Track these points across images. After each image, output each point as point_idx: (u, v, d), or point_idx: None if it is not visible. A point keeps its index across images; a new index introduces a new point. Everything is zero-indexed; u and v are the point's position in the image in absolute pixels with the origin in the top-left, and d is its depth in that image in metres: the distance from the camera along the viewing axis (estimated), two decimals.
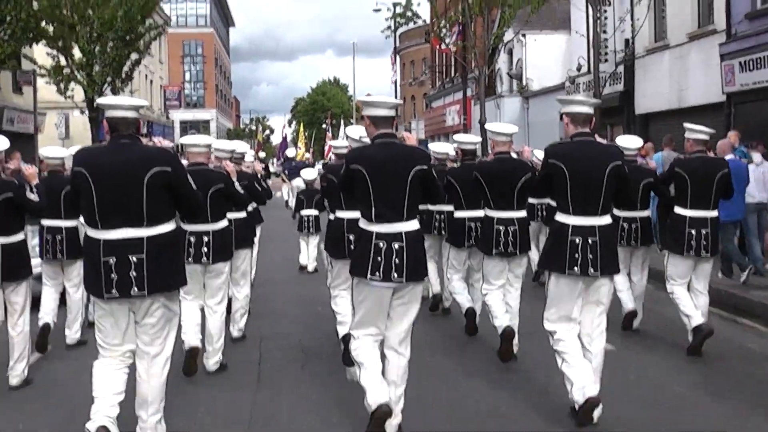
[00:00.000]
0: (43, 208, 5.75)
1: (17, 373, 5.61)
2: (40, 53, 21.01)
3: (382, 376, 4.31)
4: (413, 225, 4.32)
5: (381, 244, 4.21)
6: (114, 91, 20.67)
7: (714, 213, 6.20)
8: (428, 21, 34.86)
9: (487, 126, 6.70)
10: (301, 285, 10.27)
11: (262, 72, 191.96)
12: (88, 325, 6.74)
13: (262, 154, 28.72)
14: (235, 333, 6.94)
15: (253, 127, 78.21)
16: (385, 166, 4.25)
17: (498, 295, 6.15)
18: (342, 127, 31.33)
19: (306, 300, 8.97)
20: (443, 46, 29.48)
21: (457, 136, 7.30)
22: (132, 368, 4.18)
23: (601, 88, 15.20)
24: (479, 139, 7.52)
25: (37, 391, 5.59)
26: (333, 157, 7.45)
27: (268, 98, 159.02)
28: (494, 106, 25.87)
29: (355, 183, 4.31)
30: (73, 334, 6.82)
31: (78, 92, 20.52)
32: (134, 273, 3.90)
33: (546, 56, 25.27)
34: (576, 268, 4.56)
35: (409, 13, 24.84)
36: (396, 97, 42.44)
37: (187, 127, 58.36)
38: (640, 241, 6.85)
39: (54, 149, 7.05)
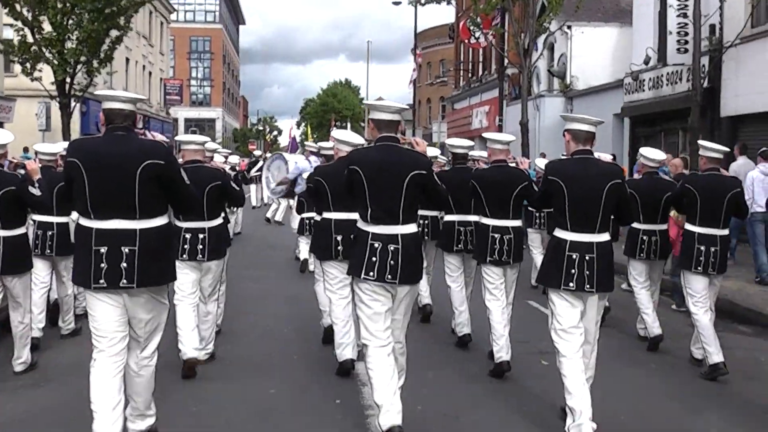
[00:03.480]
0: (44, 203, 5.80)
1: (22, 360, 5.82)
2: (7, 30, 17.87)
3: (396, 394, 4.34)
4: (410, 228, 4.48)
5: (376, 245, 4.38)
6: (89, 72, 17.44)
7: (724, 231, 6.20)
8: (454, 9, 31.73)
9: (484, 135, 6.62)
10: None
11: (273, 74, 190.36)
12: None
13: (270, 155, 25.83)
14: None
15: (261, 128, 75.79)
16: (382, 169, 4.38)
17: (499, 306, 6.05)
18: (349, 129, 29.57)
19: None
20: (473, 40, 26.43)
21: (449, 140, 7.35)
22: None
23: (702, 78, 11.86)
24: (470, 143, 7.39)
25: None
26: (321, 158, 7.48)
27: (279, 101, 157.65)
28: (533, 107, 22.71)
29: (354, 184, 4.45)
30: (66, 326, 6.98)
31: (47, 74, 17.25)
32: (125, 264, 3.88)
33: (594, 51, 22.18)
34: (572, 284, 4.58)
35: None
36: (414, 98, 39.94)
37: (192, 125, 55.82)
38: (659, 255, 6.94)
39: (47, 145, 7.15)
